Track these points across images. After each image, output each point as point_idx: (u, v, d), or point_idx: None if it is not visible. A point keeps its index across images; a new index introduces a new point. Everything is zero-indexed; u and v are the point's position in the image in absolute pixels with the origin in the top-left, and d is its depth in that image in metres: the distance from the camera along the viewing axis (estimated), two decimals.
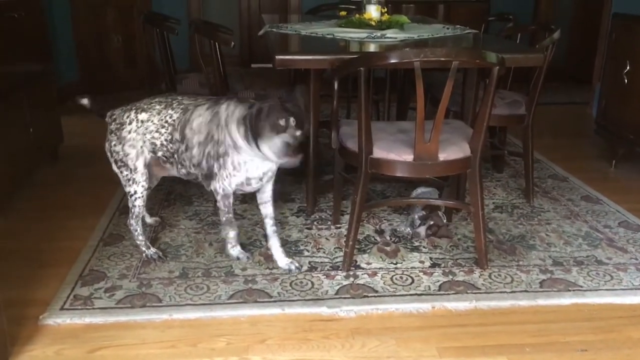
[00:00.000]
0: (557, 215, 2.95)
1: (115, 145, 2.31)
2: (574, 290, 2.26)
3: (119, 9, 5.42)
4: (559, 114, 5.01)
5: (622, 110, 3.63)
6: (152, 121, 2.26)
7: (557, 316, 2.12)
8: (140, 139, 2.28)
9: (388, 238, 2.67)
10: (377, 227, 2.78)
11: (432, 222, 2.64)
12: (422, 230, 2.65)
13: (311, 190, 2.88)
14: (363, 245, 2.59)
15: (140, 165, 2.31)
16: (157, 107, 2.28)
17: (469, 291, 2.25)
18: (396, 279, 2.33)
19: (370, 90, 2.30)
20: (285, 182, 3.31)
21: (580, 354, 1.92)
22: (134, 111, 2.30)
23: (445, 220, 2.71)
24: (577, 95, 5.54)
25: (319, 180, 3.05)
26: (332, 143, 2.50)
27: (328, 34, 2.92)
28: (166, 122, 2.25)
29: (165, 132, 2.26)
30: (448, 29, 3.22)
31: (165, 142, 2.27)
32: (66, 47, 5.00)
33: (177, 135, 2.24)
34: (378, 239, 2.66)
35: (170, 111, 2.26)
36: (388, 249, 2.57)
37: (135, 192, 2.35)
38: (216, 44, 2.79)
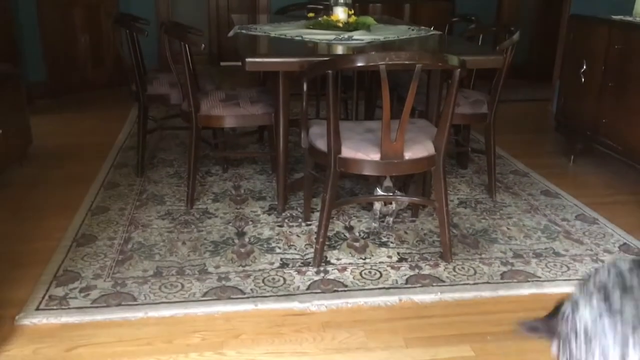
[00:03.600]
0: (518, 209, 3.08)
1: None
2: (532, 281, 2.38)
3: (86, 9, 5.39)
4: (521, 111, 5.16)
5: (579, 108, 3.78)
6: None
7: (516, 306, 2.23)
8: None
9: (357, 234, 2.75)
10: (347, 223, 2.86)
11: (393, 209, 2.74)
12: (390, 220, 2.76)
13: (282, 188, 2.94)
14: (333, 242, 2.67)
15: None
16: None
17: (434, 284, 2.35)
18: (365, 273, 2.41)
19: (338, 92, 2.38)
20: (256, 180, 3.38)
21: (539, 341, 2.03)
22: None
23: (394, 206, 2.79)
24: (538, 93, 5.71)
25: (289, 178, 3.12)
26: (302, 143, 2.57)
27: (297, 36, 2.98)
28: None
29: None
30: (413, 30, 3.31)
31: None
32: (33, 48, 4.96)
33: None
34: (347, 235, 2.75)
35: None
36: (357, 244, 2.66)
37: None
38: (186, 45, 2.83)
